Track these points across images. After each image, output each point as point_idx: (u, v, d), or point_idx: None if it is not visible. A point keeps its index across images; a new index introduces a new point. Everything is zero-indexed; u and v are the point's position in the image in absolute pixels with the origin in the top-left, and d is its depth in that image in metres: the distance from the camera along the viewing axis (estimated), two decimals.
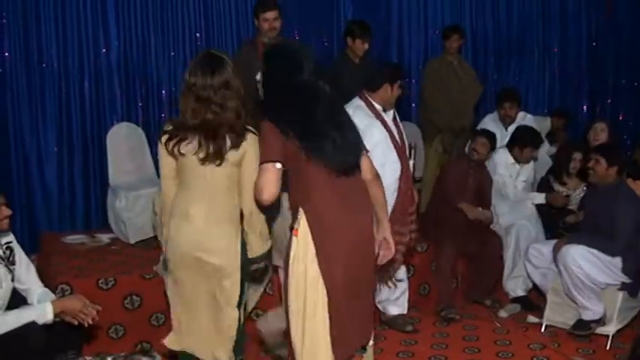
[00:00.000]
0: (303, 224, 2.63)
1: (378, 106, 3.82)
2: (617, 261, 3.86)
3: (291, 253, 2.65)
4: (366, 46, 4.99)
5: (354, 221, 2.67)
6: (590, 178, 4.07)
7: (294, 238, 2.66)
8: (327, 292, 2.61)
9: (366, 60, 5.05)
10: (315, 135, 2.59)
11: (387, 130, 3.80)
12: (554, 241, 4.17)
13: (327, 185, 2.61)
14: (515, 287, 4.58)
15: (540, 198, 4.83)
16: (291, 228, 2.68)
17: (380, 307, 4.25)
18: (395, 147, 3.79)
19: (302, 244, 2.63)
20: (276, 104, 2.69)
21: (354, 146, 2.69)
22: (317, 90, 2.70)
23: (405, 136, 3.96)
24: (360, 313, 2.75)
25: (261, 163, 2.60)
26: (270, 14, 4.38)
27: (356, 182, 2.72)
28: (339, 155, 2.61)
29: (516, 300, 4.56)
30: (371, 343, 2.89)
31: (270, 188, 2.56)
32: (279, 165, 2.57)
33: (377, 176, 2.83)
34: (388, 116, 3.89)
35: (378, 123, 3.78)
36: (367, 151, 2.80)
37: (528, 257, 4.30)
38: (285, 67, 2.75)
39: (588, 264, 3.81)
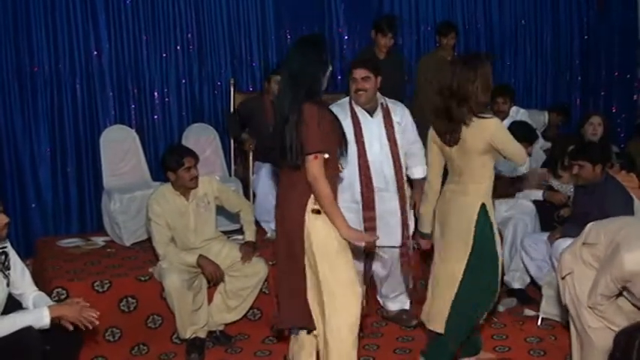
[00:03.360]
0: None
1: (356, 107, 3.95)
2: None
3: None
4: (388, 41, 5.00)
5: (280, 213, 3.04)
6: (579, 182, 4.09)
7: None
8: None
9: (391, 55, 5.05)
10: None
11: (354, 125, 3.89)
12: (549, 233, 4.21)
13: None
14: (511, 280, 4.59)
15: (538, 195, 4.84)
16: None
17: (380, 302, 4.29)
18: (357, 142, 3.87)
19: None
20: None
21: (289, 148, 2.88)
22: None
23: (398, 138, 3.99)
24: (294, 294, 3.01)
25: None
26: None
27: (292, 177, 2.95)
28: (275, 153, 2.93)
29: (513, 294, 4.58)
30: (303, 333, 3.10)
31: None
32: None
33: (315, 179, 2.85)
34: (375, 117, 3.96)
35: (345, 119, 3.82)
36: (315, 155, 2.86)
37: (525, 248, 4.34)
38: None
39: None
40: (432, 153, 3.39)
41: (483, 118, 3.16)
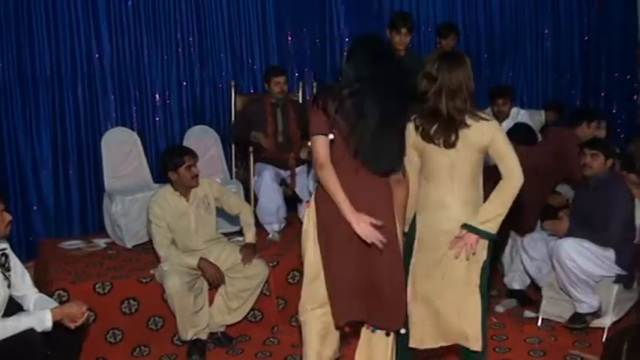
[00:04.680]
0: (312, 201, 2.95)
1: None
2: (610, 253, 3.87)
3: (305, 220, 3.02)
4: (403, 38, 4.93)
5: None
6: (587, 172, 4.06)
7: (306, 209, 3.01)
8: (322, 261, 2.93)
9: (409, 53, 5.01)
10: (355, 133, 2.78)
11: None
12: (548, 234, 4.22)
13: (346, 176, 2.80)
14: (510, 281, 4.59)
15: None
16: (307, 200, 2.96)
17: None
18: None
19: (311, 216, 2.95)
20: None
21: (386, 154, 2.83)
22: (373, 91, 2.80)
23: None
24: (362, 293, 2.90)
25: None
26: (281, 78, 5.18)
27: (375, 182, 2.87)
28: (366, 156, 2.79)
29: (513, 295, 4.57)
30: (381, 333, 2.98)
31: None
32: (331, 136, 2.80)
33: (400, 180, 2.94)
34: None
35: None
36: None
37: (525, 248, 4.34)
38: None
39: (581, 257, 3.81)
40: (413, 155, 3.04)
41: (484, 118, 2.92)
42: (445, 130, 2.86)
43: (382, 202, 2.90)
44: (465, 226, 2.86)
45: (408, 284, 3.02)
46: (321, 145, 2.78)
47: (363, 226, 2.77)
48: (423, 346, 3.07)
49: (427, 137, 2.91)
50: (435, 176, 2.95)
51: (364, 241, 2.79)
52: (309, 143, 2.93)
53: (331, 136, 2.78)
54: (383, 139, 2.79)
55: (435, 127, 2.88)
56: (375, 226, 2.77)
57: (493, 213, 2.86)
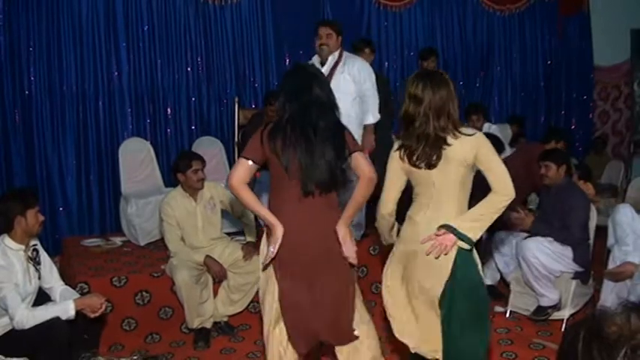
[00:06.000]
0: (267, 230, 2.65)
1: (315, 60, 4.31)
2: (569, 251, 3.89)
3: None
4: (367, 57, 4.93)
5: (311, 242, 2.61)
6: (546, 181, 4.12)
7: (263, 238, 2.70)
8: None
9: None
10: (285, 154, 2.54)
11: None
12: (515, 233, 4.23)
13: (290, 204, 2.58)
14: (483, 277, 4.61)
15: None
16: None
17: None
18: None
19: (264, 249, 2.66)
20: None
21: (324, 164, 2.54)
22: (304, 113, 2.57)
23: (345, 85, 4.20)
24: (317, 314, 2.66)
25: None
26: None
27: (319, 206, 2.60)
28: (305, 177, 2.54)
29: None
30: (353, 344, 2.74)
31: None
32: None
33: (364, 176, 2.61)
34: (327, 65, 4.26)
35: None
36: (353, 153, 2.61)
37: (496, 243, 4.36)
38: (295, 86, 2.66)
39: (543, 255, 3.84)
40: (397, 178, 2.68)
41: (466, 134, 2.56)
42: (430, 151, 2.51)
43: (329, 224, 2.63)
44: (444, 226, 2.51)
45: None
46: (241, 167, 2.54)
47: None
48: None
49: (411, 161, 2.57)
50: (419, 193, 2.64)
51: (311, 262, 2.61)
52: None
53: (251, 164, 2.54)
54: (314, 155, 2.53)
55: (420, 150, 2.53)
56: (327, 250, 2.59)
57: (476, 221, 2.52)
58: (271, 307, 2.66)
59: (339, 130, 2.62)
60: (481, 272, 2.64)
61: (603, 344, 1.03)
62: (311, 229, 2.60)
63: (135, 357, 3.46)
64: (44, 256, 3.25)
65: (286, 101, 2.62)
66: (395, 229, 2.80)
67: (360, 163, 2.62)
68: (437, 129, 2.51)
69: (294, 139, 2.53)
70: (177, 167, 3.98)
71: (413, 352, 2.79)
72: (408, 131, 2.58)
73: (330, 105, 2.64)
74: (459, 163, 2.51)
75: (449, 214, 2.55)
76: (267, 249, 2.61)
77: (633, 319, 1.04)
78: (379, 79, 4.64)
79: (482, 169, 2.55)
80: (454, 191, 2.56)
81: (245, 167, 2.55)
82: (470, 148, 2.51)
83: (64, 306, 3.01)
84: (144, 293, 4.02)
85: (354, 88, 4.27)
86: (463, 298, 2.54)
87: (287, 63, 6.16)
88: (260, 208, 2.58)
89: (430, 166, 2.54)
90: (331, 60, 4.30)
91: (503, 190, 2.49)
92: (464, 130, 2.55)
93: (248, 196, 2.54)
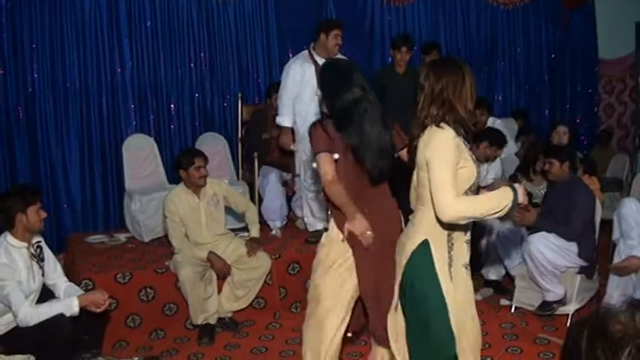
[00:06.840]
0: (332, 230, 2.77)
1: (317, 57, 4.45)
2: (573, 246, 3.88)
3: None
4: (404, 55, 4.94)
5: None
6: (550, 177, 4.11)
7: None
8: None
9: (409, 70, 4.97)
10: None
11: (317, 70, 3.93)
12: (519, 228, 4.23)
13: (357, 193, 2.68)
14: (487, 273, 4.60)
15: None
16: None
17: None
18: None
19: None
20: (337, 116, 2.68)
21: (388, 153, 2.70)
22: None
23: None
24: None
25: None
26: None
27: (382, 193, 2.78)
28: (375, 165, 2.64)
29: (489, 284, 4.58)
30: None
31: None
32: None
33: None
34: None
35: (307, 65, 4.49)
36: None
37: (499, 237, 4.35)
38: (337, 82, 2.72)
39: (548, 250, 3.83)
40: None
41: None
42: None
43: (393, 209, 2.81)
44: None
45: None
46: (326, 161, 2.60)
47: (358, 224, 2.63)
48: None
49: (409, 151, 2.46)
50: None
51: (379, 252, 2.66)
52: (314, 164, 2.73)
53: (336, 156, 2.61)
54: (382, 144, 2.64)
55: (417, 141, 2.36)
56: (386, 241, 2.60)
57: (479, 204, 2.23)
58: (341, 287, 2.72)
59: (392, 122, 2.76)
60: (442, 290, 2.30)
61: (607, 343, 1.01)
62: (380, 218, 2.69)
63: (135, 359, 3.47)
64: (48, 252, 3.25)
65: (334, 97, 2.68)
66: None
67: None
68: (425, 117, 2.30)
69: (369, 129, 2.61)
70: (180, 164, 3.99)
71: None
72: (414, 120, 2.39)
73: (374, 97, 2.75)
74: (420, 157, 2.32)
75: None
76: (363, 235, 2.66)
77: (638, 317, 1.02)
78: (410, 74, 4.71)
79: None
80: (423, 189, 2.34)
81: (330, 160, 2.62)
82: (426, 142, 2.28)
83: (68, 303, 3.01)
84: (148, 289, 4.02)
85: None
86: (410, 304, 2.36)
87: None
88: (349, 202, 2.64)
89: (412, 162, 2.41)
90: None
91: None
92: (443, 124, 2.28)
93: (341, 190, 2.63)
